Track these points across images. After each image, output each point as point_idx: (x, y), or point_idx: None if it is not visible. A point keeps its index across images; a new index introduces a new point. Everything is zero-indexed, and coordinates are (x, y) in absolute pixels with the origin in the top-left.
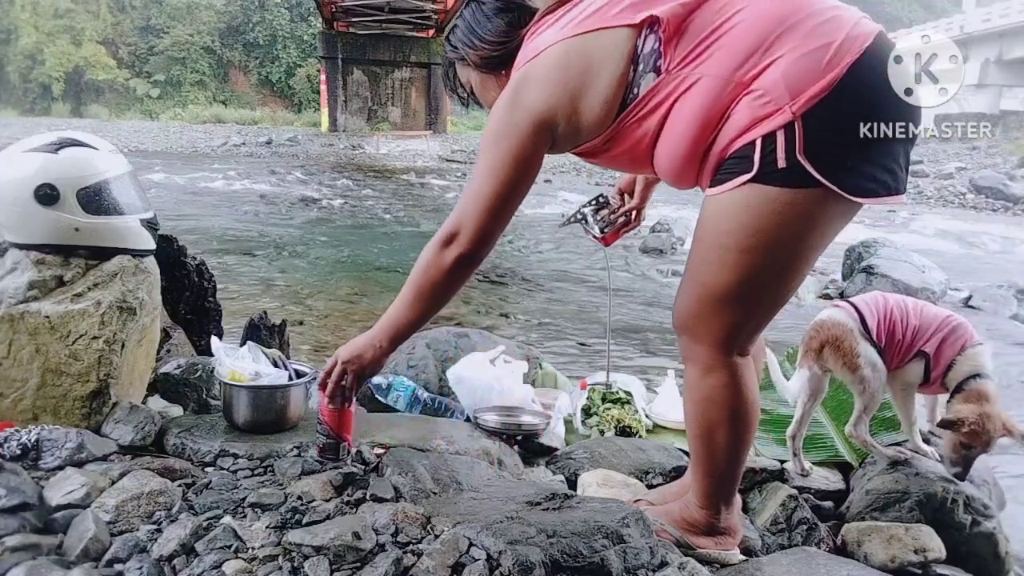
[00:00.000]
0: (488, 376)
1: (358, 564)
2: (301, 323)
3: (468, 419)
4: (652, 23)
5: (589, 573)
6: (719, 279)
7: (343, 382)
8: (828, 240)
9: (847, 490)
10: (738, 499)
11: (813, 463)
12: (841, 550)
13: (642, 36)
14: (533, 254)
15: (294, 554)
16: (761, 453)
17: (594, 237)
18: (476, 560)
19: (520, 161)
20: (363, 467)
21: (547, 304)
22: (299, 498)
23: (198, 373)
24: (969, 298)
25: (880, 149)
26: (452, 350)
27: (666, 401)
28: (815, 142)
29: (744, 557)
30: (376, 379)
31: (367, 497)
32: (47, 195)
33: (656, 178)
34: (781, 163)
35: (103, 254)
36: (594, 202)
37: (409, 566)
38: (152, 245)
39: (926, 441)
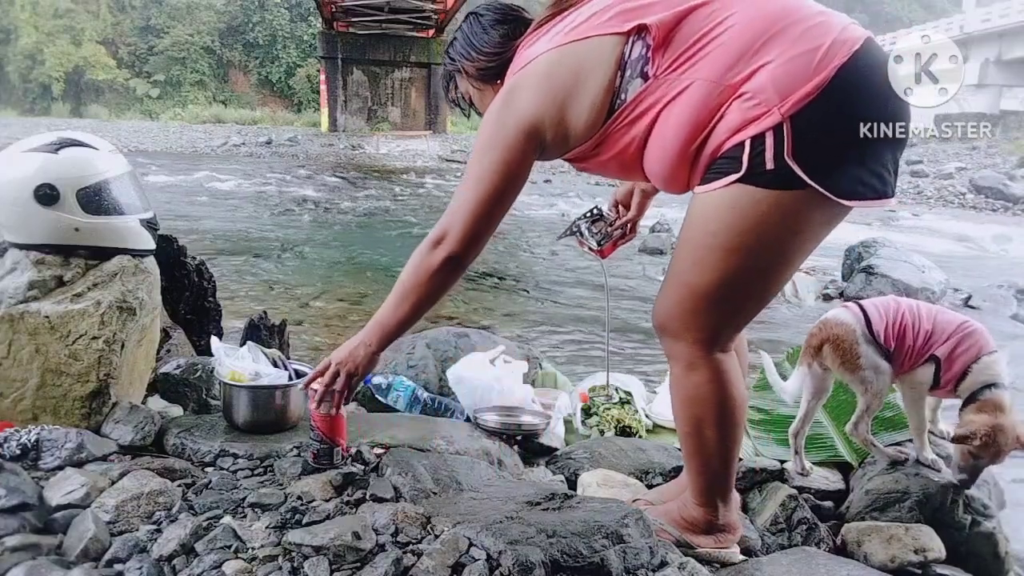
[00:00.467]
0: (488, 376)
1: (358, 564)
2: (301, 323)
3: (468, 419)
4: (640, 30)
5: (589, 573)
6: (704, 279)
7: (334, 385)
8: (815, 242)
9: (847, 490)
10: (736, 497)
11: (813, 463)
12: (841, 550)
13: (629, 42)
14: (533, 254)
15: (294, 554)
16: (761, 453)
17: (590, 250)
18: (476, 560)
19: (508, 168)
20: (363, 467)
21: (547, 304)
22: (299, 498)
23: (198, 373)
24: (969, 298)
25: (868, 152)
26: (452, 350)
27: (666, 401)
28: (803, 144)
29: (744, 557)
30: (376, 379)
31: (367, 497)
32: (47, 195)
33: (652, 189)
34: (769, 164)
35: (103, 254)
36: (589, 214)
37: (409, 566)
38: (152, 245)
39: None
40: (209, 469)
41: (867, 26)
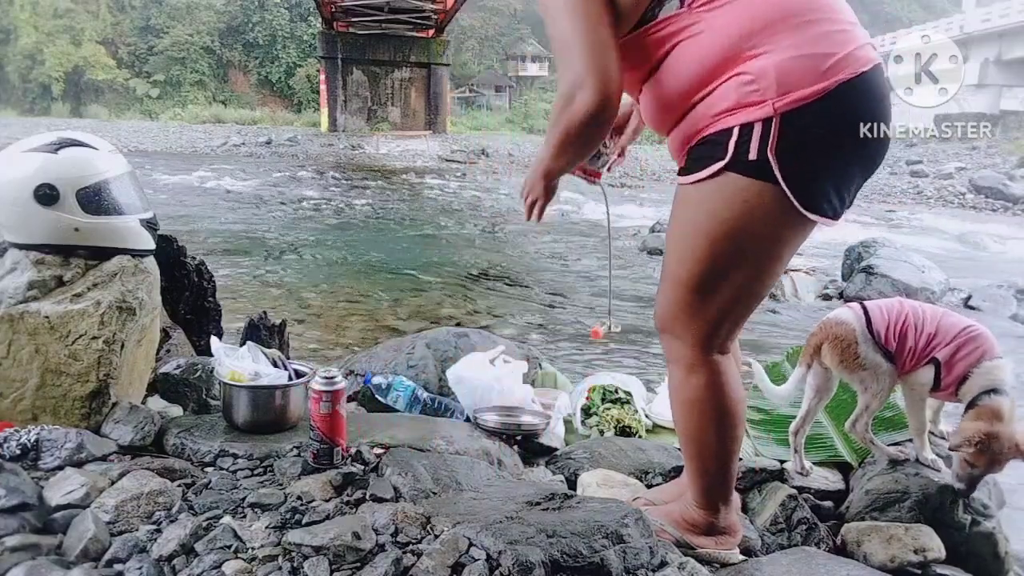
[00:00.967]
0: (488, 376)
1: (358, 564)
2: (301, 323)
3: (468, 419)
4: None
5: (589, 573)
6: (690, 271)
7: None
8: (789, 244)
9: (847, 490)
10: (737, 498)
11: (813, 463)
12: (841, 550)
13: None
14: (534, 255)
15: (294, 554)
16: (761, 453)
17: (583, 172)
18: (476, 560)
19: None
20: (363, 467)
21: (547, 304)
22: (299, 498)
23: (198, 373)
24: (969, 298)
25: (843, 172)
26: (452, 350)
27: (666, 401)
28: (786, 144)
29: (744, 557)
30: (376, 379)
31: (367, 497)
32: (47, 195)
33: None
34: (752, 155)
35: (103, 254)
36: None
37: (409, 566)
38: (152, 245)
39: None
40: (209, 469)
41: (867, 26)
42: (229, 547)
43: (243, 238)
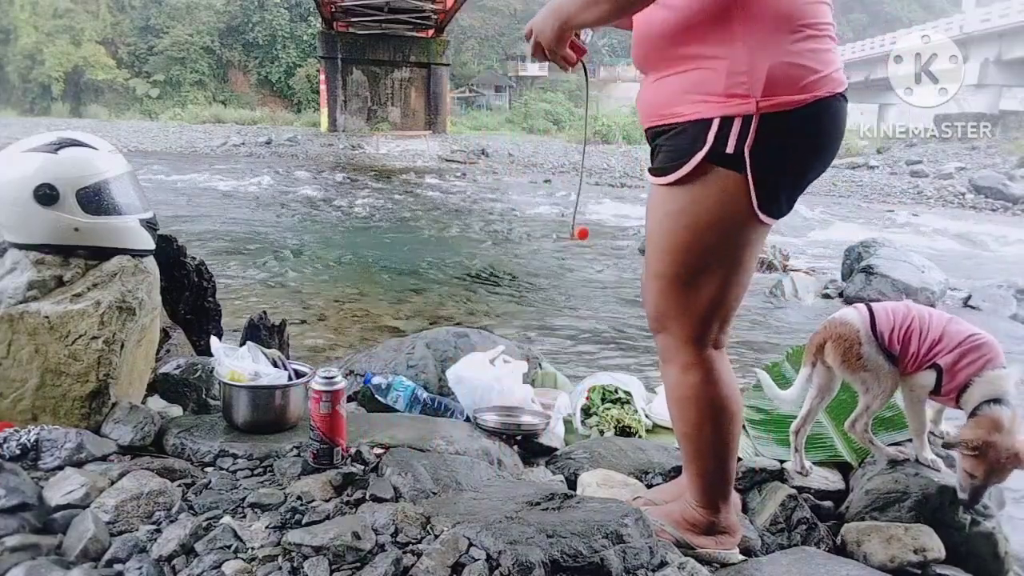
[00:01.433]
0: (488, 376)
1: (358, 564)
2: (302, 323)
3: (468, 419)
4: None
5: (589, 573)
6: (677, 266)
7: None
8: (755, 237)
9: (847, 490)
10: (737, 498)
11: (813, 463)
12: (840, 550)
13: None
14: (534, 255)
15: (294, 554)
16: (761, 453)
17: (573, 47)
18: (476, 560)
19: None
20: (363, 467)
21: (547, 304)
22: (299, 498)
23: (198, 373)
24: (969, 298)
25: (796, 183)
26: (452, 350)
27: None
28: (760, 144)
29: (744, 557)
30: (376, 379)
31: (367, 497)
32: (47, 195)
33: None
34: (730, 148)
35: (102, 254)
36: None
37: (409, 566)
38: (151, 245)
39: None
40: (209, 469)
41: (867, 26)
42: (229, 547)
43: (243, 238)
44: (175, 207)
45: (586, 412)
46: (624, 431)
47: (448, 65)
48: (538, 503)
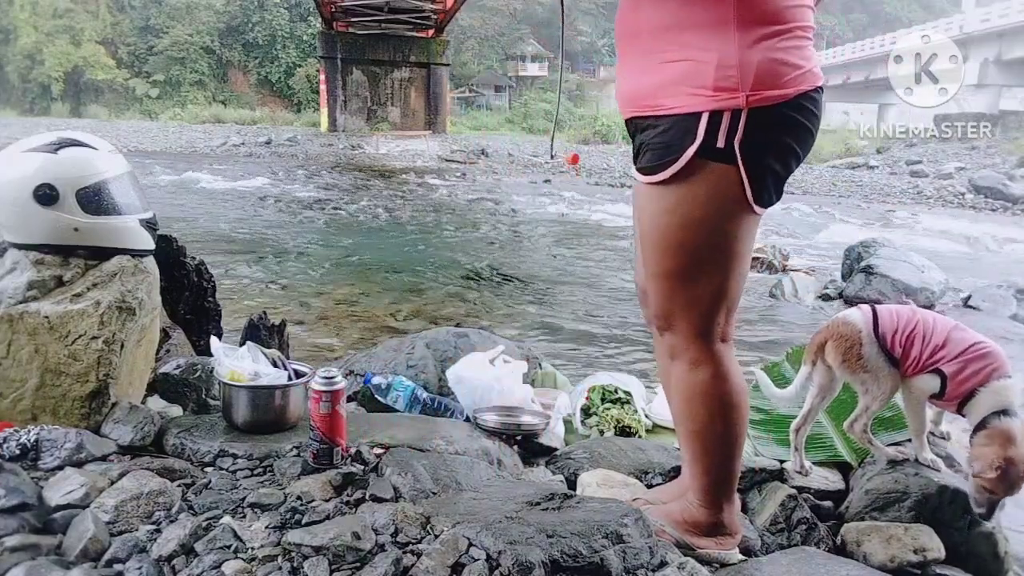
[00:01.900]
0: (488, 376)
1: (358, 564)
2: (301, 323)
3: (468, 419)
4: None
5: (589, 573)
6: (678, 262)
7: None
8: (749, 227)
9: (846, 490)
10: (737, 499)
11: (813, 463)
12: (840, 550)
13: None
14: (533, 255)
15: (294, 554)
16: (761, 453)
17: None
18: (476, 560)
19: None
20: (363, 467)
21: (547, 304)
22: (299, 498)
23: (197, 373)
24: (969, 298)
25: (781, 175)
26: (452, 350)
27: (666, 401)
28: (749, 138)
29: (744, 557)
30: (376, 379)
31: (367, 497)
32: (46, 195)
33: None
34: (720, 143)
35: (102, 254)
36: None
37: (409, 566)
38: (151, 245)
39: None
40: (209, 469)
41: (867, 26)
42: (229, 547)
43: (243, 238)
44: (175, 207)
45: (586, 412)
46: (624, 431)
47: (448, 65)
48: (538, 503)
